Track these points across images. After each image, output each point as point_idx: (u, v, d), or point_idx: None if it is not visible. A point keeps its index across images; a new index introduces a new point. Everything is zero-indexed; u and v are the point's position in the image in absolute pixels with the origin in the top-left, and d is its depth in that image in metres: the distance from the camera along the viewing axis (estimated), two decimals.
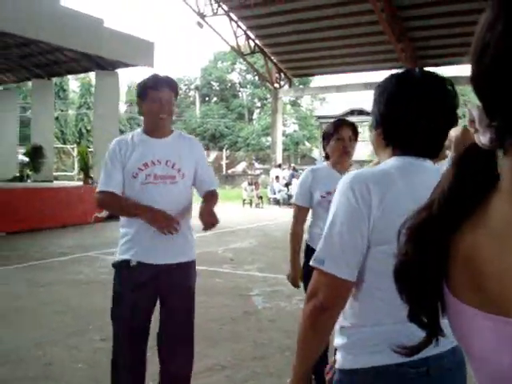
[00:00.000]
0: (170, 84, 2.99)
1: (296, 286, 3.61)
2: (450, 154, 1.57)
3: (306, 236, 3.54)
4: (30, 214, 11.83)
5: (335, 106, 34.40)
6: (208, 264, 8.20)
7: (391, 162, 1.55)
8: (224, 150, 36.30)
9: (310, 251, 3.36)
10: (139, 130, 3.11)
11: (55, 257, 9.30)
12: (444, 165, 1.56)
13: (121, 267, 2.98)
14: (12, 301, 6.13)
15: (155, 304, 3.05)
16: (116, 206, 3.06)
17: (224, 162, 33.93)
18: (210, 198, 3.09)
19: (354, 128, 3.44)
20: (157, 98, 2.91)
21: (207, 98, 50.40)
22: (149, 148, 2.96)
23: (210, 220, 2.90)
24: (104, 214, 12.34)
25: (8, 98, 20.25)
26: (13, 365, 4.27)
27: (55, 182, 18.98)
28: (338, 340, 1.58)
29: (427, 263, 0.71)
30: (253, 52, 22.90)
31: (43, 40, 14.82)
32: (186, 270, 3.04)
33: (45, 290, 6.89)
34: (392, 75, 1.60)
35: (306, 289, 1.68)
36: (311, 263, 1.49)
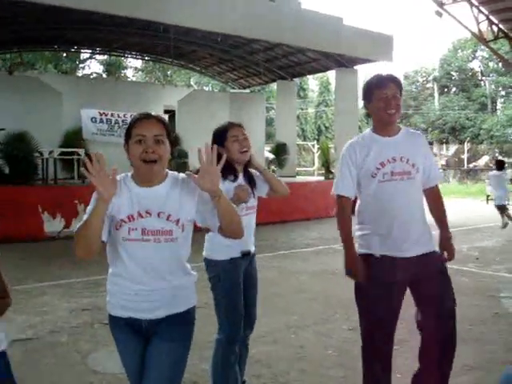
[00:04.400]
0: (393, 80, 3.01)
1: None
2: None
3: None
4: (278, 207, 12.27)
5: None
6: (452, 262, 7.94)
7: None
8: (465, 143, 34.44)
9: None
10: (369, 130, 3.18)
11: (301, 248, 9.89)
12: None
13: (363, 260, 3.04)
14: (267, 286, 6.62)
15: (403, 297, 3.05)
16: (339, 220, 3.10)
17: (465, 156, 32.21)
18: (439, 204, 3.19)
19: None
20: (382, 94, 2.95)
21: (446, 89, 48.28)
22: (383, 147, 3.02)
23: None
24: None
25: (256, 100, 21.78)
26: (268, 345, 4.64)
27: (297, 177, 19.99)
28: None
29: None
30: (496, 38, 21.35)
31: (287, 43, 15.73)
32: (433, 261, 3.07)
33: (295, 278, 7.40)
34: None
35: None
36: None
